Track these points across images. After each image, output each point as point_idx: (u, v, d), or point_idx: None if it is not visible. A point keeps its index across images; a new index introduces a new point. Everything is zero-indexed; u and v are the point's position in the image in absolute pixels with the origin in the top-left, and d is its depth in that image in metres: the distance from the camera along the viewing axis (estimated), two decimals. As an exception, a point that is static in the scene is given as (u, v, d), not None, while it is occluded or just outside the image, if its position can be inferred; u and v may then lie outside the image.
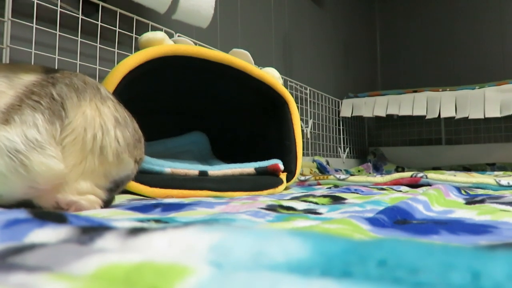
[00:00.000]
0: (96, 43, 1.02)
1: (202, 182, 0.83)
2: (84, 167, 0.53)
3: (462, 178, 1.04)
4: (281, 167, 1.03)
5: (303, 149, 1.81)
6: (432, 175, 1.09)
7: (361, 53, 2.83)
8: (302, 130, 1.73)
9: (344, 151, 2.36)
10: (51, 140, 0.50)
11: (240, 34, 1.64)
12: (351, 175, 1.32)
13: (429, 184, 1.03)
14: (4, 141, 0.46)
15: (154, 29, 1.13)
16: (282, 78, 1.28)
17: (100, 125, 0.54)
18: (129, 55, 0.83)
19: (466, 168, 2.17)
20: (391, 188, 1.00)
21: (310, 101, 2.02)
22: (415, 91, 2.19)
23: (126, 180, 0.60)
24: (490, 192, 0.90)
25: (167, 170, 0.83)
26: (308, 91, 1.98)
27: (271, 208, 0.57)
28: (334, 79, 2.43)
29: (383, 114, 2.23)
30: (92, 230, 0.26)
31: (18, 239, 0.26)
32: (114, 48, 1.05)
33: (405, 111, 2.16)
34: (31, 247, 0.22)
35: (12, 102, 0.49)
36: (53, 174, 0.49)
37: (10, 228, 0.27)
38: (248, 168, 0.97)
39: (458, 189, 0.82)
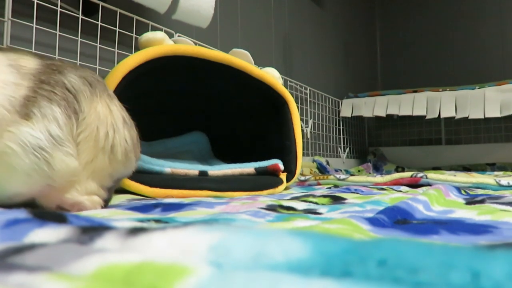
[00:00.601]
0: (96, 43, 1.02)
1: (202, 182, 0.83)
2: (94, 166, 0.52)
3: (462, 178, 1.04)
4: (281, 167, 1.03)
5: (303, 149, 1.81)
6: (432, 175, 1.09)
7: (361, 53, 2.83)
8: (302, 130, 1.73)
9: (344, 151, 2.36)
10: (69, 136, 0.49)
11: (240, 34, 1.64)
12: (351, 175, 1.32)
13: (429, 184, 1.03)
14: (28, 138, 0.45)
15: (154, 29, 1.13)
16: (282, 78, 1.28)
17: (111, 123, 0.54)
18: (129, 55, 0.83)
19: (466, 168, 2.17)
20: (391, 188, 1.00)
21: (310, 101, 2.02)
22: (415, 91, 2.19)
23: (123, 178, 0.60)
24: (490, 192, 0.90)
25: (167, 170, 0.83)
26: (308, 91, 1.98)
27: (271, 208, 0.57)
28: (334, 79, 2.43)
29: (383, 114, 2.23)
30: (92, 230, 0.26)
31: (18, 239, 0.26)
32: (114, 48, 1.05)
33: (405, 111, 2.16)
34: (31, 247, 0.22)
35: (27, 94, 0.47)
36: (70, 171, 0.49)
37: (10, 228, 0.27)
38: (248, 168, 0.97)
39: (458, 189, 0.82)
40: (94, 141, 0.52)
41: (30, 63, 0.49)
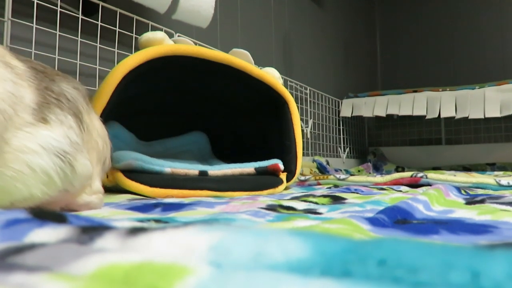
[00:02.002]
0: (96, 43, 1.02)
1: (202, 182, 0.83)
2: (95, 170, 0.56)
3: (462, 178, 1.04)
4: (281, 167, 1.03)
5: (303, 149, 1.81)
6: (432, 175, 1.09)
7: (361, 53, 2.83)
8: (302, 130, 1.73)
9: (344, 151, 2.36)
10: (83, 142, 0.51)
11: (240, 34, 1.64)
12: (351, 175, 1.32)
13: (429, 184, 1.02)
14: (50, 141, 0.45)
15: (154, 29, 1.13)
16: (282, 78, 1.28)
17: (104, 137, 0.58)
18: (129, 55, 0.83)
19: (466, 168, 2.17)
20: (391, 188, 1.00)
21: (310, 101, 2.02)
22: (415, 91, 2.19)
23: None
24: (490, 192, 0.90)
25: (167, 170, 0.83)
26: (308, 91, 1.98)
27: (271, 208, 0.57)
28: (334, 79, 2.43)
29: (383, 114, 2.23)
30: (92, 230, 0.26)
31: (18, 239, 0.26)
32: (114, 48, 1.05)
33: (405, 111, 2.16)
34: (31, 247, 0.22)
35: (38, 98, 0.46)
36: (88, 175, 0.51)
37: (10, 228, 0.27)
38: (248, 168, 0.97)
39: (458, 189, 0.82)
40: (97, 151, 0.56)
41: (14, 61, 0.47)
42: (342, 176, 1.21)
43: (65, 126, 0.47)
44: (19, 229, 0.27)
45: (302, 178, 1.27)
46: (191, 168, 0.87)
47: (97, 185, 0.56)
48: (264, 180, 0.96)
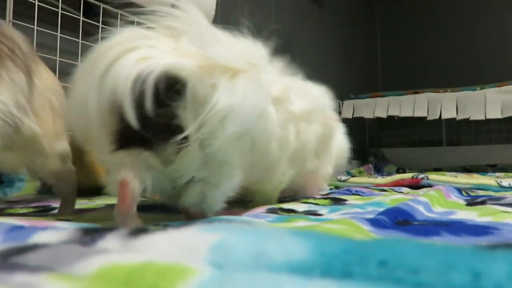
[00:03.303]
0: (98, 44, 1.02)
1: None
2: (56, 129, 0.53)
3: (463, 179, 1.04)
4: (282, 168, 1.02)
5: (304, 151, 1.80)
6: (433, 176, 1.08)
7: (361, 54, 2.83)
8: (303, 132, 1.73)
9: (345, 152, 2.36)
10: (29, 104, 0.47)
11: (241, 35, 1.64)
12: (352, 176, 1.32)
13: (430, 185, 1.02)
14: None
15: (155, 30, 1.13)
16: (283, 79, 1.28)
17: (55, 87, 0.54)
18: (130, 57, 0.83)
19: (467, 170, 2.17)
20: (392, 190, 1.00)
21: (311, 103, 2.02)
22: (416, 92, 2.19)
23: None
24: (491, 193, 0.90)
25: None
26: (309, 93, 1.98)
27: (271, 211, 0.57)
28: (335, 80, 2.43)
29: (384, 115, 2.23)
30: (93, 231, 0.26)
31: (22, 241, 0.26)
32: (115, 50, 1.05)
33: (406, 112, 2.16)
34: (34, 247, 0.22)
35: None
36: (35, 137, 0.49)
37: (14, 231, 0.27)
38: (249, 169, 0.97)
39: (459, 190, 0.82)
40: (51, 109, 0.52)
41: None
42: (343, 178, 1.21)
43: (15, 87, 0.44)
44: (23, 232, 0.27)
45: (303, 179, 1.27)
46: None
47: (62, 145, 0.53)
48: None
